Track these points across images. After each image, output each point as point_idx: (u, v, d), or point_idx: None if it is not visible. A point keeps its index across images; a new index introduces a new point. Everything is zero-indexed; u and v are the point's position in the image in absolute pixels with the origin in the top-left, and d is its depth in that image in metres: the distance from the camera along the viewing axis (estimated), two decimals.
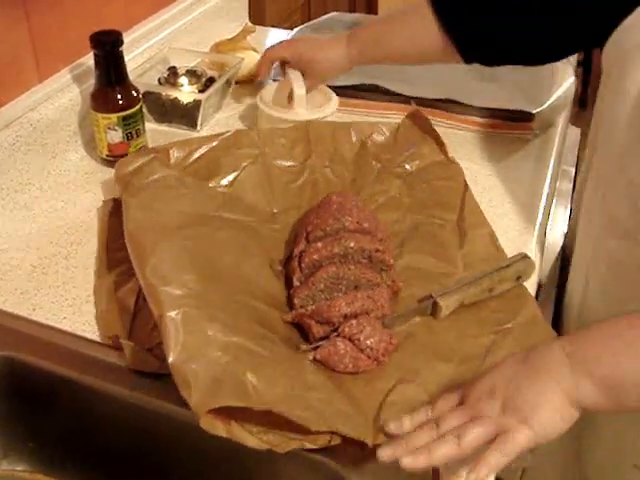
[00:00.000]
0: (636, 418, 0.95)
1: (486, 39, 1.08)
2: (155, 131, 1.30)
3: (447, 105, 1.36)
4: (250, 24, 1.53)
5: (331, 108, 1.28)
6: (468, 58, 1.11)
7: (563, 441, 1.03)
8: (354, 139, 1.18)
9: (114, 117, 1.15)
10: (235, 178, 1.09)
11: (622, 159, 0.89)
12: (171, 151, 1.09)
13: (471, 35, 1.09)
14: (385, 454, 0.69)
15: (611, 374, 0.68)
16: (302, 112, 1.24)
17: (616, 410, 0.74)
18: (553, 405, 0.68)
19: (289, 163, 1.13)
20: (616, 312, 0.81)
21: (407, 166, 1.15)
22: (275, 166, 1.12)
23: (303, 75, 1.24)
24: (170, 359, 0.76)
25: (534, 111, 1.32)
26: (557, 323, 1.09)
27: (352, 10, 2.77)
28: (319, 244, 0.92)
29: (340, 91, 1.32)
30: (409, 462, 0.67)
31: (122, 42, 1.14)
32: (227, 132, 1.13)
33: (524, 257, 0.97)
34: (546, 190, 1.21)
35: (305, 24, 1.66)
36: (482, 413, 0.69)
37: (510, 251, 1.01)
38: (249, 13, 1.85)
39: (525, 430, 0.67)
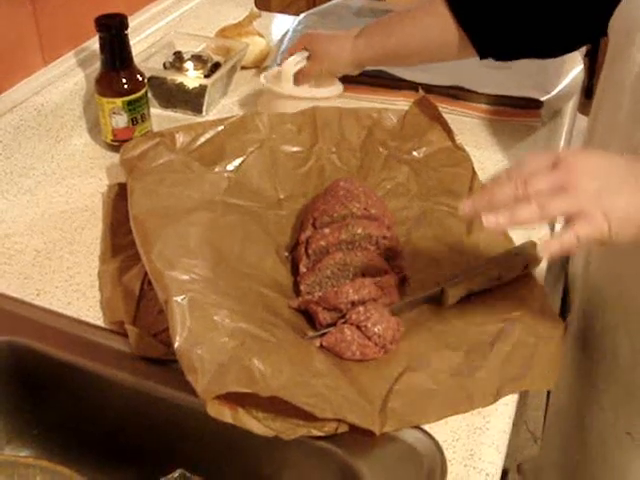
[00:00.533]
0: (629, 390, 0.95)
1: (501, 34, 1.08)
2: (160, 116, 1.29)
3: (455, 92, 1.35)
4: (256, 10, 1.51)
5: (337, 89, 1.28)
6: (483, 53, 1.11)
7: (566, 408, 1.05)
8: (361, 125, 1.17)
9: (119, 101, 1.15)
10: (241, 163, 1.08)
11: (627, 126, 0.88)
12: (177, 135, 1.09)
13: (486, 30, 1.08)
14: (465, 206, 0.69)
15: None
16: (305, 89, 1.25)
17: None
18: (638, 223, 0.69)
19: (295, 149, 1.12)
20: (616, 289, 0.81)
21: (415, 153, 1.14)
22: (281, 151, 1.11)
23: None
24: (176, 344, 0.76)
25: (542, 98, 1.31)
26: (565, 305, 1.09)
27: None
28: (326, 230, 0.91)
29: (345, 77, 1.30)
30: (491, 221, 0.67)
31: (127, 25, 1.13)
32: (233, 117, 1.12)
33: (532, 245, 0.96)
34: None
35: (311, 10, 1.65)
36: (574, 186, 0.67)
37: (519, 239, 1.00)
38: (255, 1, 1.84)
39: (605, 226, 0.67)
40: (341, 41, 1.21)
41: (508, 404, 0.82)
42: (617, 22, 0.91)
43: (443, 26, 1.11)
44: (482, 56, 1.11)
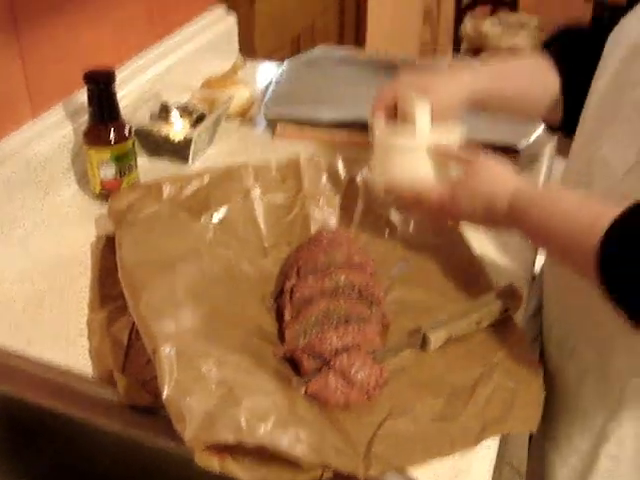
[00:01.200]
0: (581, 304, 0.99)
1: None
2: (147, 166, 1.32)
3: None
4: (240, 60, 1.55)
5: (459, 133, 1.08)
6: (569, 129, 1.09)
7: (529, 321, 1.14)
8: (343, 175, 1.20)
9: (107, 153, 1.17)
10: (227, 213, 1.10)
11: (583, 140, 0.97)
12: (164, 186, 1.11)
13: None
14: None
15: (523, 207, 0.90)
16: (425, 135, 1.05)
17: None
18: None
19: (280, 198, 1.15)
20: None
21: None
22: (266, 201, 1.14)
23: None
24: (165, 393, 0.77)
25: (520, 144, 1.35)
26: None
27: (340, 43, 2.80)
28: (310, 279, 0.94)
29: (328, 126, 1.33)
30: None
31: (115, 79, 1.16)
32: (219, 167, 1.15)
33: (511, 289, 0.99)
34: None
35: (294, 57, 1.69)
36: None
37: (499, 281, 1.03)
38: (239, 48, 1.88)
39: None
40: (455, 78, 1.09)
41: (490, 447, 0.84)
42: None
43: (551, 84, 1.10)
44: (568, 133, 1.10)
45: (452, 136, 1.06)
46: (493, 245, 1.15)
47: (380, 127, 1.06)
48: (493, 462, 0.84)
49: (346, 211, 1.16)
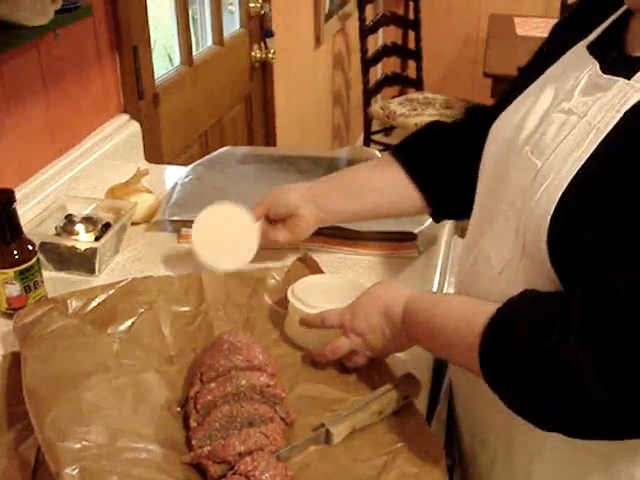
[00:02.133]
0: (483, 396, 0.95)
1: (456, 196, 1.20)
2: (55, 279, 1.33)
3: (341, 232, 1.41)
4: (142, 166, 1.59)
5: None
6: (439, 215, 1.31)
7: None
8: (245, 284, 1.24)
9: (11, 272, 1.18)
10: (132, 324, 1.13)
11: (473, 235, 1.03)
12: (69, 301, 1.13)
13: (442, 192, 1.25)
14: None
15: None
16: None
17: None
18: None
19: (184, 309, 1.18)
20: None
21: None
22: (170, 311, 1.17)
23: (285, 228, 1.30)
24: None
25: (416, 230, 1.41)
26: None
27: (250, 138, 2.86)
28: (212, 384, 0.96)
29: None
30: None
31: (14, 200, 1.18)
32: (124, 280, 1.18)
33: (410, 377, 1.03)
34: (435, 285, 1.30)
35: (198, 161, 1.73)
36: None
37: (401, 369, 1.07)
38: (144, 151, 1.92)
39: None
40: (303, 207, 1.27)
41: None
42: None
43: (406, 193, 1.25)
44: (437, 218, 1.33)
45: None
46: None
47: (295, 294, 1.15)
48: None
49: (249, 316, 1.20)
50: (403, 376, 1.03)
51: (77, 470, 0.82)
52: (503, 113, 1.03)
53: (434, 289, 1.32)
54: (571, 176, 0.82)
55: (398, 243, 1.42)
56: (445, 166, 1.23)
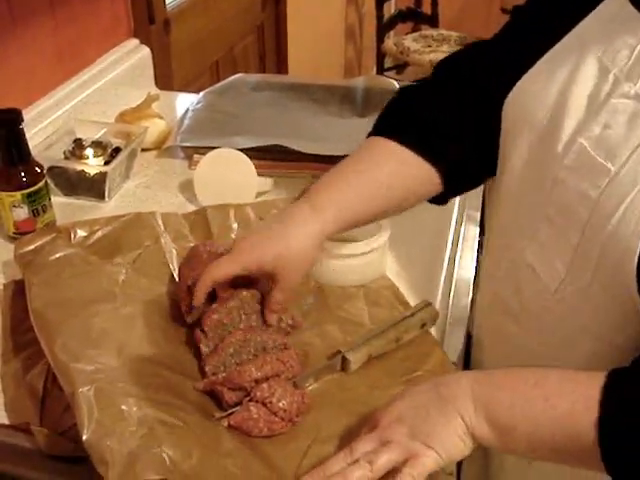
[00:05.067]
0: (508, 350, 0.93)
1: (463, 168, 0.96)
2: (63, 204, 1.30)
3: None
4: (153, 92, 1.54)
5: (383, 238, 1.09)
6: (453, 188, 0.98)
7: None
8: (253, 218, 1.21)
9: (18, 195, 1.15)
10: (138, 256, 1.10)
11: (505, 238, 0.91)
12: (72, 230, 1.11)
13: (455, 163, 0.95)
14: None
15: (506, 423, 0.71)
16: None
17: (505, 451, 0.80)
18: (457, 433, 0.73)
19: (190, 245, 1.13)
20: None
21: None
22: (176, 246, 1.13)
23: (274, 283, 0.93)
24: (84, 437, 0.77)
25: None
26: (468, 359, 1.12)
27: (262, 67, 2.80)
28: (214, 305, 0.93)
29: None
30: None
31: (22, 120, 1.14)
32: (128, 214, 1.16)
33: (427, 305, 1.00)
34: (451, 236, 1.25)
35: (210, 88, 1.68)
36: (391, 438, 0.73)
37: (416, 298, 1.04)
38: (155, 78, 1.87)
39: (432, 454, 0.71)
40: (300, 231, 0.90)
41: None
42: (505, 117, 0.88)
43: (414, 165, 0.94)
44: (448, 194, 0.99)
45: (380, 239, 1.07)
46: (402, 262, 1.16)
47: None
48: None
49: None
50: (420, 304, 1.00)
51: (92, 390, 0.81)
52: (522, 82, 0.84)
53: (453, 221, 1.28)
54: None
55: None
56: (447, 128, 0.95)
